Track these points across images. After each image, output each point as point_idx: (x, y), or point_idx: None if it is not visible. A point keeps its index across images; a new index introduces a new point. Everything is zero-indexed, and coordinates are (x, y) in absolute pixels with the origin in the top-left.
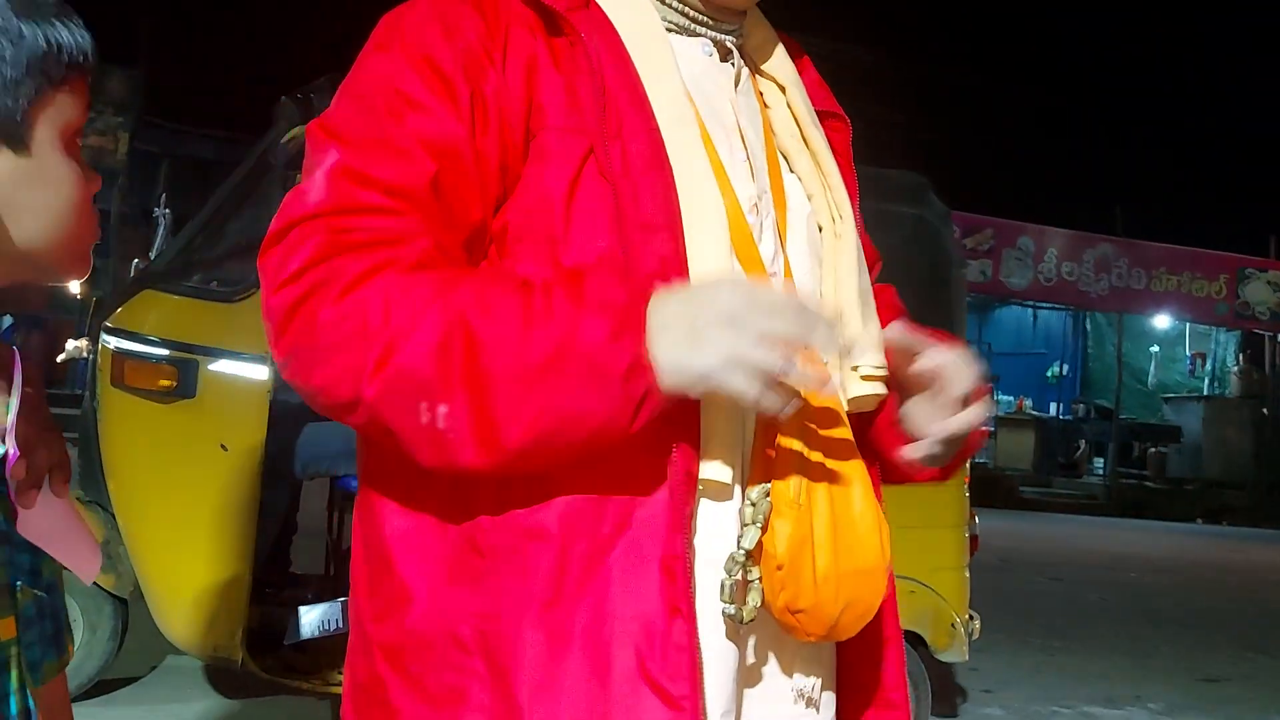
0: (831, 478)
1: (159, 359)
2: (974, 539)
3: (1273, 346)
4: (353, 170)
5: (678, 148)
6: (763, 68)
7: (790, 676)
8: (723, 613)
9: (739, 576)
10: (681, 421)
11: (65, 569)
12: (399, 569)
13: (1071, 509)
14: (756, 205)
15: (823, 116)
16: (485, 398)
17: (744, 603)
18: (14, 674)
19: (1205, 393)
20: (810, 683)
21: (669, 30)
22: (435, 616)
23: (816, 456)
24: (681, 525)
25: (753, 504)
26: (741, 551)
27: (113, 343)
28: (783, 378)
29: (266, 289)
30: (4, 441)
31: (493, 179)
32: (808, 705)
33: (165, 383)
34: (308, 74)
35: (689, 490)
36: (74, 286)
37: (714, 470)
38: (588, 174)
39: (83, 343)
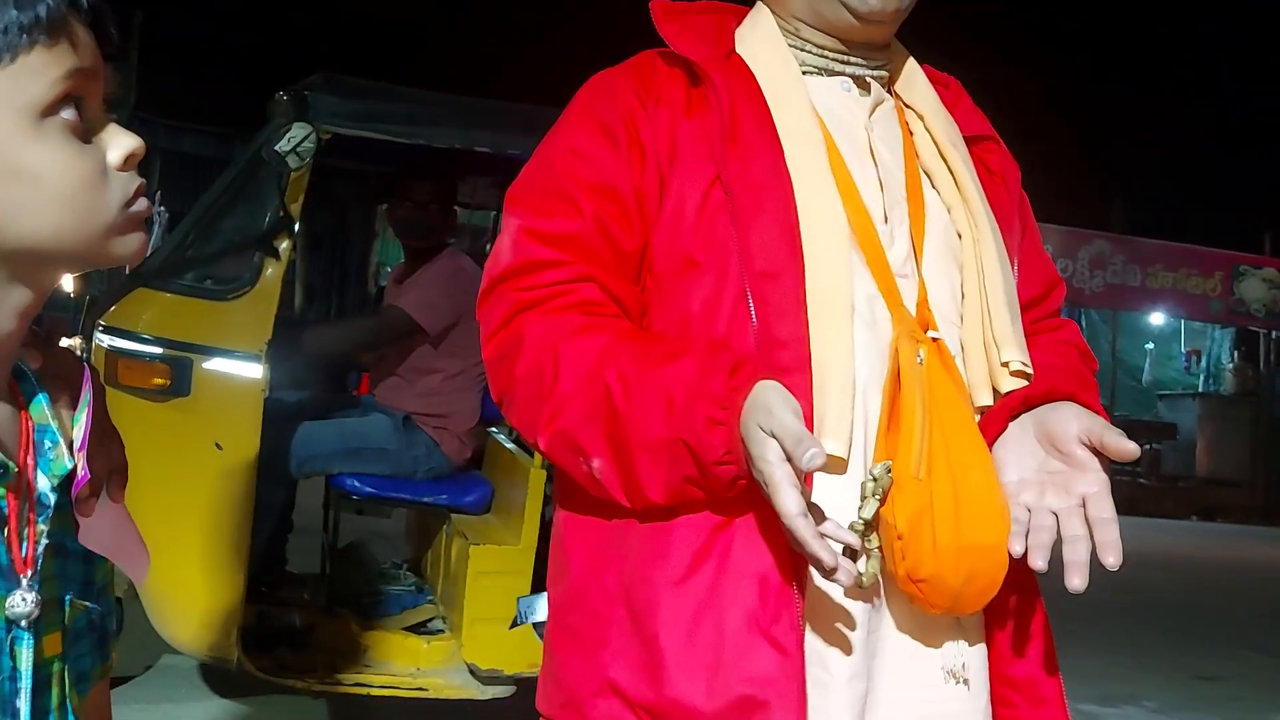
0: (955, 456)
1: (153, 357)
2: None
3: (1268, 344)
4: (530, 230)
5: (801, 163)
6: (905, 97)
7: (938, 653)
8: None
9: (855, 544)
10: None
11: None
12: (565, 544)
13: None
14: (887, 216)
15: (975, 140)
16: (626, 460)
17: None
18: (55, 691)
19: (1200, 390)
20: (960, 661)
21: (808, 73)
22: (587, 575)
23: (941, 437)
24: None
25: (874, 478)
26: (860, 521)
27: (106, 341)
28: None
29: (482, 341)
30: (73, 457)
31: (651, 211)
32: (958, 683)
33: (159, 381)
34: (303, 70)
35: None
36: (67, 284)
37: (828, 446)
38: (714, 196)
39: (76, 341)
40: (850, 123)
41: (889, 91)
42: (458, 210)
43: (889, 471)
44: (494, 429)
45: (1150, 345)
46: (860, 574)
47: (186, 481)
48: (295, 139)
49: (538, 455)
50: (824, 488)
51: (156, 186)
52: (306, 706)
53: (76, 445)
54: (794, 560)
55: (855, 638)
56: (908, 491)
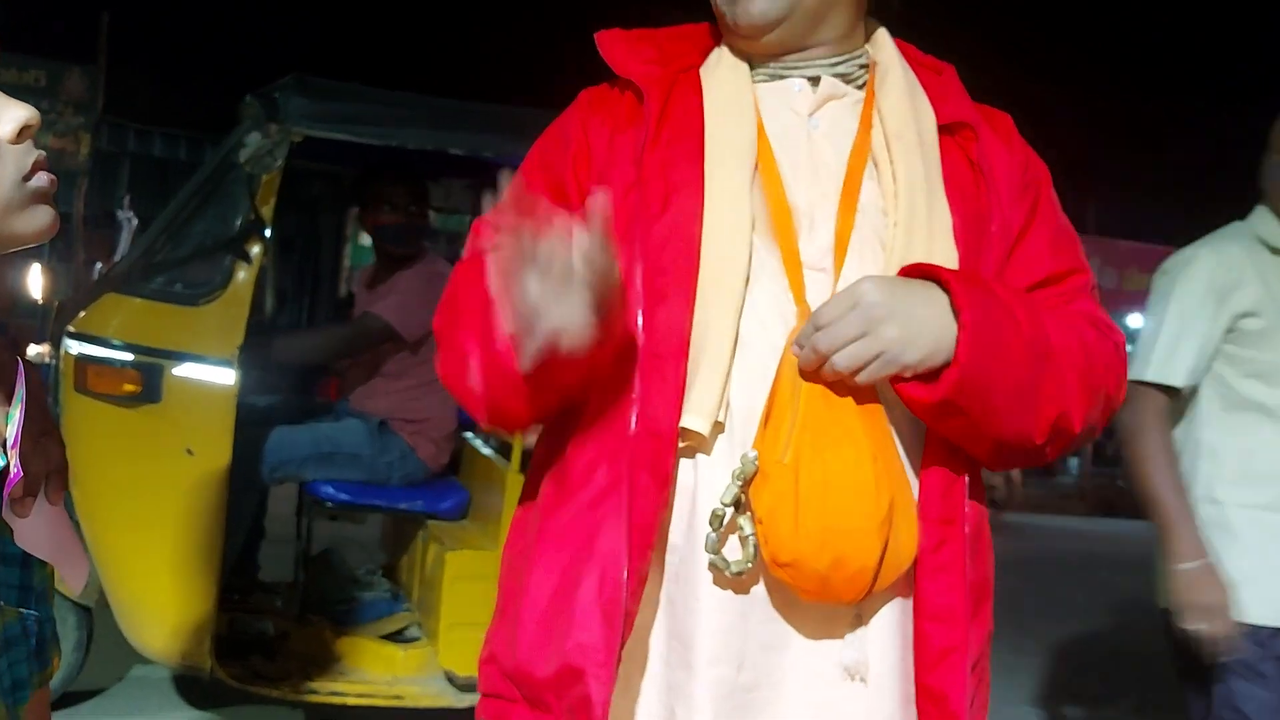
0: (829, 443)
1: (123, 364)
2: None
3: None
4: (483, 220)
5: (718, 167)
6: (878, 89)
7: (837, 650)
8: (710, 563)
9: (720, 529)
10: (662, 386)
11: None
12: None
13: (1045, 508)
14: (812, 212)
15: (954, 129)
16: (470, 343)
17: (722, 553)
18: None
19: None
20: (858, 658)
21: (761, 80)
22: (505, 555)
23: (815, 425)
24: (656, 475)
25: (741, 466)
26: (720, 505)
27: (75, 347)
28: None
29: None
30: (4, 454)
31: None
32: (854, 680)
33: (129, 387)
34: (273, 73)
35: (657, 448)
36: (35, 291)
37: (685, 420)
38: (630, 197)
39: (45, 348)
40: (791, 123)
41: (864, 85)
42: (431, 214)
43: (755, 459)
44: (470, 434)
45: (1129, 348)
46: (724, 557)
47: (157, 489)
48: (267, 142)
49: (515, 460)
50: (701, 475)
51: (125, 191)
52: (281, 716)
53: (9, 443)
54: (647, 544)
55: (719, 622)
56: (771, 477)
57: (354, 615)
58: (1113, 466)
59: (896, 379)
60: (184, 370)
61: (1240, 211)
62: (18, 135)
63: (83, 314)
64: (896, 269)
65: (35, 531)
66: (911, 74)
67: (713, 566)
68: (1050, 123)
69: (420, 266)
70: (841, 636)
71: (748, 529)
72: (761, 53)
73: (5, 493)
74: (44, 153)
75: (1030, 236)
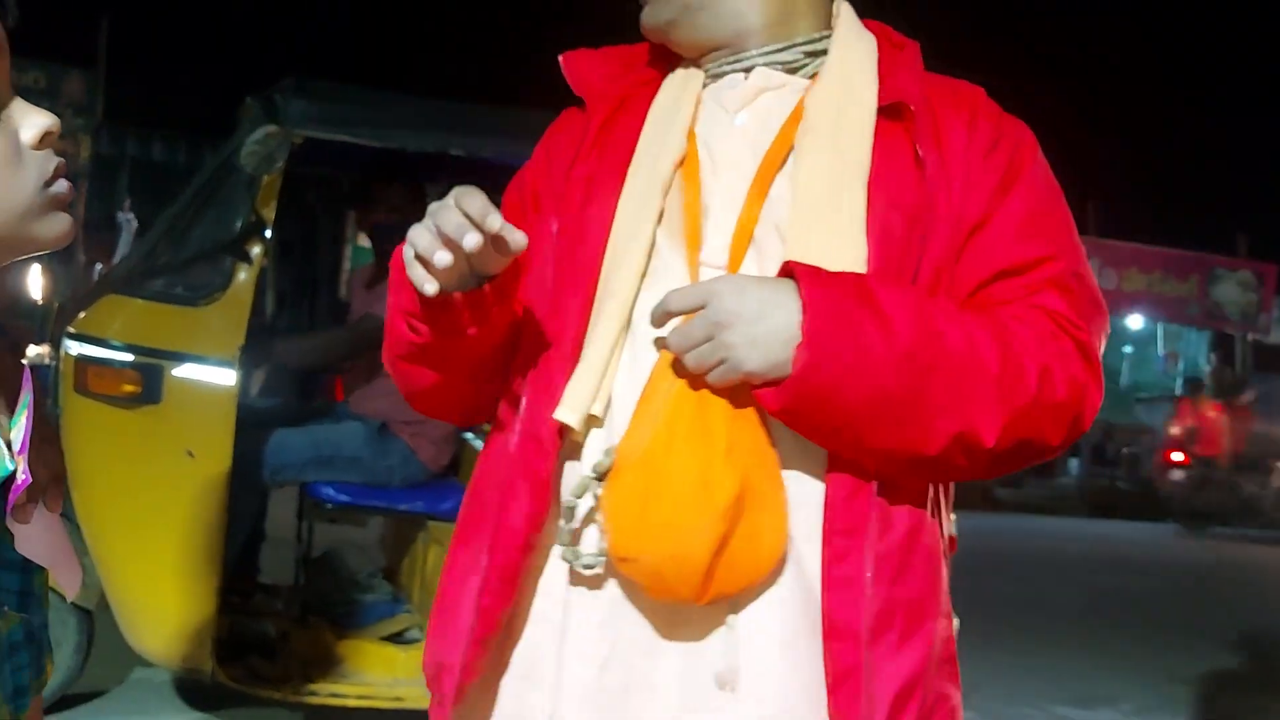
0: (684, 434)
1: (123, 364)
2: (952, 539)
3: (1244, 346)
4: None
5: (638, 170)
6: (825, 75)
7: (708, 659)
8: (561, 557)
9: (572, 523)
10: (547, 386)
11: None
12: None
13: (1045, 510)
14: (721, 208)
15: (892, 111)
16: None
17: (577, 548)
18: None
19: (1178, 393)
20: (726, 667)
21: (709, 82)
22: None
23: (681, 415)
24: (528, 476)
25: (605, 456)
26: (570, 498)
27: (75, 348)
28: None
29: None
30: (11, 461)
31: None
32: (724, 689)
33: (129, 388)
34: (273, 75)
35: (533, 448)
36: (35, 292)
37: (559, 413)
38: (562, 200)
39: (45, 349)
40: (718, 120)
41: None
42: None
43: (612, 453)
44: (470, 435)
45: (1128, 348)
46: (574, 552)
47: (158, 490)
48: (268, 144)
49: None
50: (572, 469)
51: (125, 194)
52: (282, 718)
53: (16, 448)
54: (514, 544)
55: (583, 619)
56: (621, 472)
57: (355, 617)
58: (1113, 466)
59: (751, 383)
60: (184, 371)
61: (1240, 213)
62: (40, 141)
63: (83, 315)
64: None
65: (34, 537)
66: (868, 55)
67: (564, 560)
68: (1051, 123)
69: None
70: (710, 641)
71: (601, 524)
72: (692, 54)
73: (11, 499)
74: (64, 160)
75: (993, 224)
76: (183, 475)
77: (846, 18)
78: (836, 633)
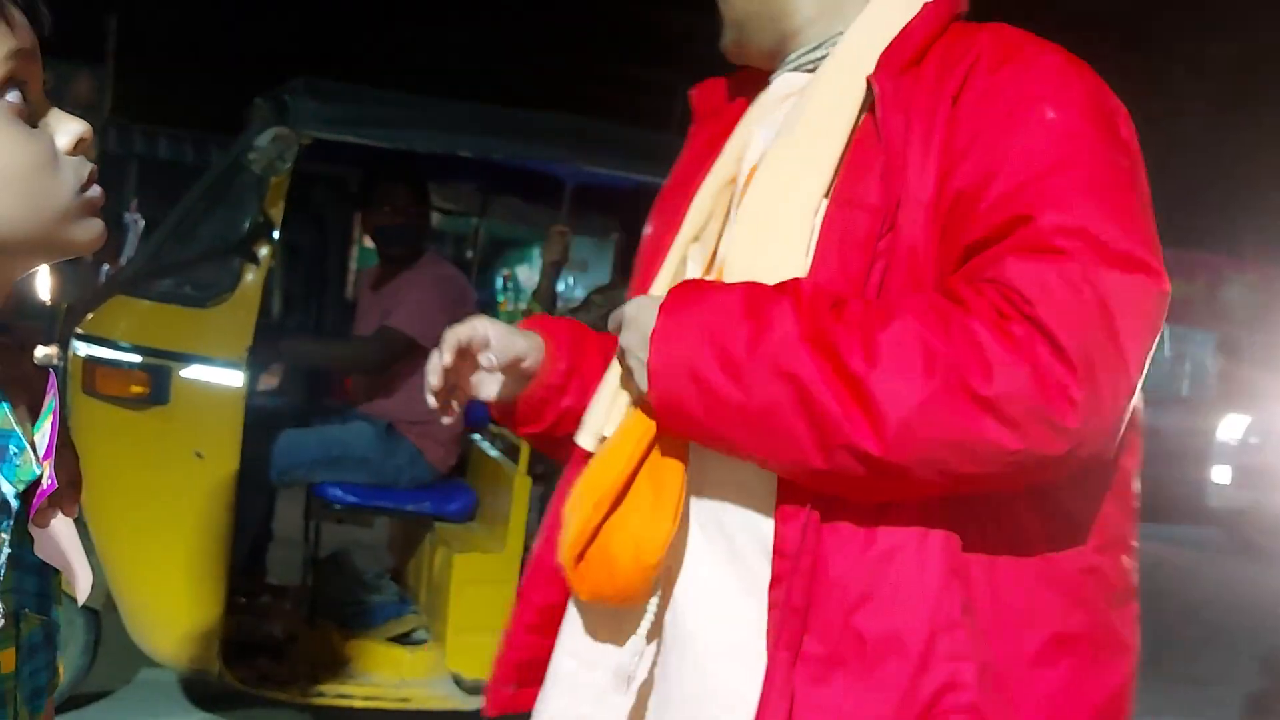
0: (617, 446)
1: (131, 365)
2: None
3: (1251, 348)
4: None
5: (700, 189)
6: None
7: (615, 656)
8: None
9: None
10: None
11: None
12: None
13: None
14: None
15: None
16: None
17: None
18: (8, 711)
19: (1185, 394)
20: (631, 661)
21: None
22: None
23: (633, 429)
24: (562, 491)
25: None
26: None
27: (83, 349)
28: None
29: None
30: (38, 466)
31: None
32: (626, 683)
33: (137, 389)
34: (282, 75)
35: (574, 466)
36: (43, 293)
37: (579, 439)
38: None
39: (53, 350)
40: (755, 133)
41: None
42: (438, 215)
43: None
44: (477, 436)
45: None
46: None
47: (166, 491)
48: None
49: (522, 463)
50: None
51: (133, 193)
52: (289, 719)
53: (41, 453)
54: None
55: (571, 613)
56: (576, 484)
57: (362, 618)
58: None
59: None
60: (192, 372)
61: (1238, 214)
62: (74, 147)
63: (91, 316)
64: (732, 276)
65: (51, 540)
66: (884, 35)
67: None
68: None
69: (427, 268)
70: (619, 644)
71: None
72: (768, 68)
73: (35, 503)
74: (95, 166)
75: (965, 191)
76: (190, 476)
77: (859, 9)
78: (770, 654)
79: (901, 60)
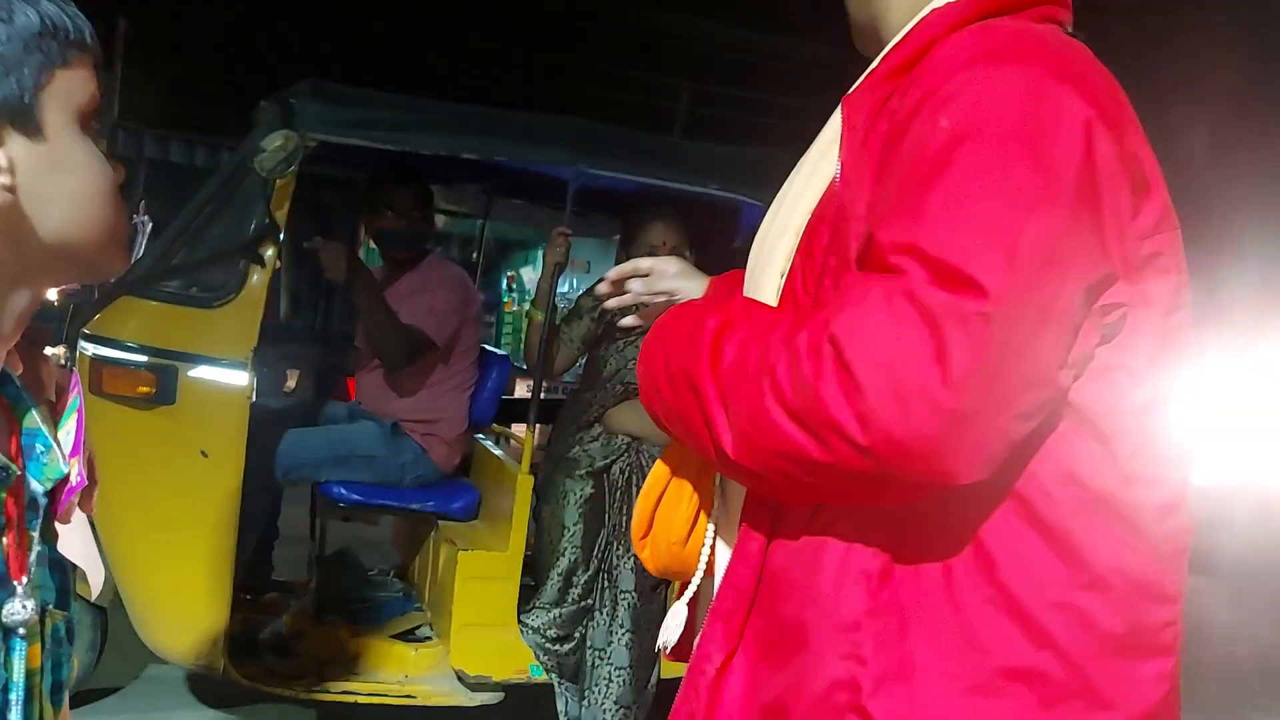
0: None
1: (138, 365)
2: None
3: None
4: None
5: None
6: None
7: (673, 613)
8: None
9: None
10: None
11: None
12: None
13: None
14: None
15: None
16: None
17: None
18: (35, 705)
19: None
20: (671, 625)
21: None
22: None
23: None
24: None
25: None
26: None
27: (90, 349)
28: None
29: None
30: (65, 464)
31: None
32: (665, 648)
33: (144, 389)
34: (288, 78)
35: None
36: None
37: None
38: None
39: (60, 350)
40: None
41: None
42: (442, 218)
43: None
44: (481, 435)
45: None
46: None
47: (172, 490)
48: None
49: (525, 462)
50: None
51: (140, 195)
52: (294, 715)
53: (68, 451)
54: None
55: None
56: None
57: (367, 615)
58: None
59: None
60: (198, 372)
61: (1238, 212)
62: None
63: (98, 316)
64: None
65: (72, 538)
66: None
67: None
68: None
69: (434, 269)
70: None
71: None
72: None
73: (64, 500)
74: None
75: (871, 210)
76: (197, 475)
77: (912, 33)
78: (707, 622)
79: (884, 71)
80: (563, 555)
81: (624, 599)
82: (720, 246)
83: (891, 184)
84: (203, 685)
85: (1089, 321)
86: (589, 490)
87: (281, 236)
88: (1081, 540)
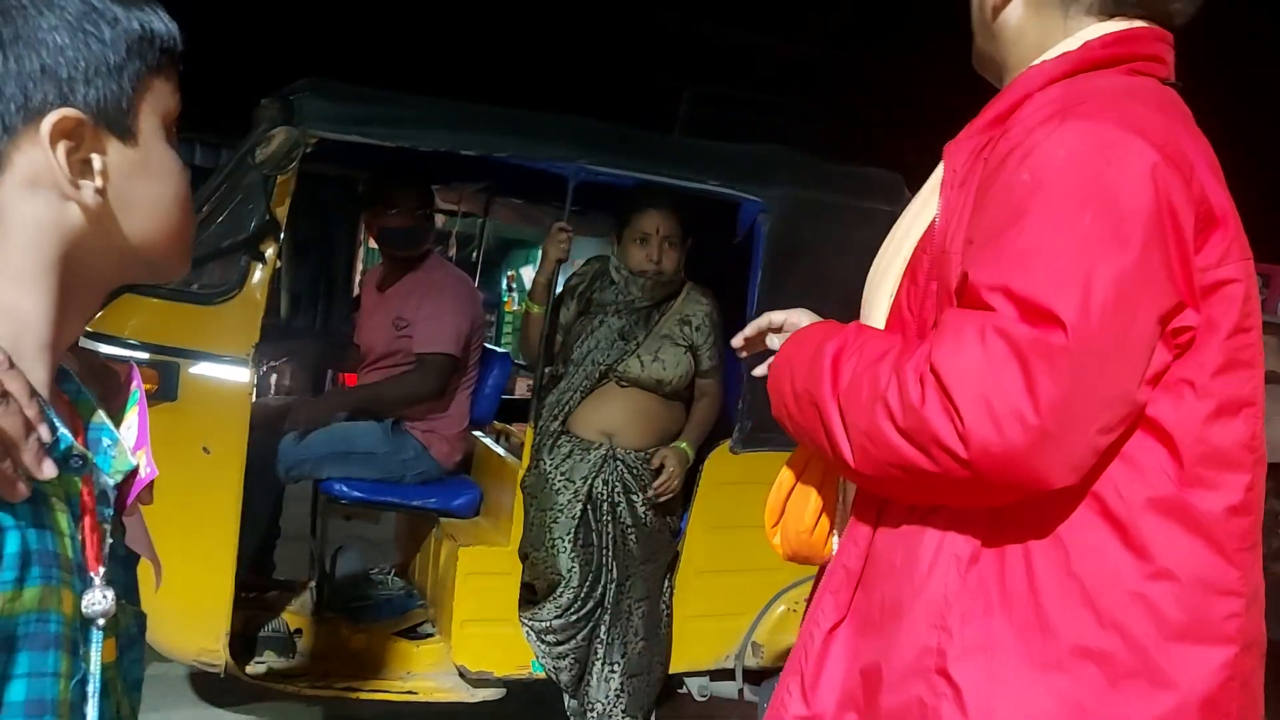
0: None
1: (139, 362)
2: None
3: None
4: None
5: None
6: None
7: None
8: None
9: None
10: None
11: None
12: None
13: None
14: None
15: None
16: None
17: None
18: (112, 701)
19: None
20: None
21: None
22: None
23: None
24: None
25: None
26: None
27: (91, 346)
28: None
29: None
30: (132, 457)
31: None
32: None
33: (146, 386)
34: (288, 76)
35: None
36: None
37: None
38: None
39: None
40: None
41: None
42: (443, 216)
43: None
44: (481, 433)
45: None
46: None
47: (173, 487)
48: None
49: (525, 458)
50: None
51: None
52: (296, 712)
53: (132, 444)
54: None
55: None
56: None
57: (368, 612)
58: None
59: None
60: (200, 369)
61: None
62: None
63: (100, 313)
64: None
65: (135, 531)
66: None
67: None
68: None
69: (428, 269)
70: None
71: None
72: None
73: (135, 492)
74: None
75: (968, 248)
76: (198, 472)
77: (1018, 87)
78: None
79: (983, 122)
80: (563, 590)
81: (638, 608)
82: (721, 243)
83: (984, 226)
84: (205, 683)
85: (1162, 343)
86: (576, 515)
87: (282, 233)
88: (1150, 536)
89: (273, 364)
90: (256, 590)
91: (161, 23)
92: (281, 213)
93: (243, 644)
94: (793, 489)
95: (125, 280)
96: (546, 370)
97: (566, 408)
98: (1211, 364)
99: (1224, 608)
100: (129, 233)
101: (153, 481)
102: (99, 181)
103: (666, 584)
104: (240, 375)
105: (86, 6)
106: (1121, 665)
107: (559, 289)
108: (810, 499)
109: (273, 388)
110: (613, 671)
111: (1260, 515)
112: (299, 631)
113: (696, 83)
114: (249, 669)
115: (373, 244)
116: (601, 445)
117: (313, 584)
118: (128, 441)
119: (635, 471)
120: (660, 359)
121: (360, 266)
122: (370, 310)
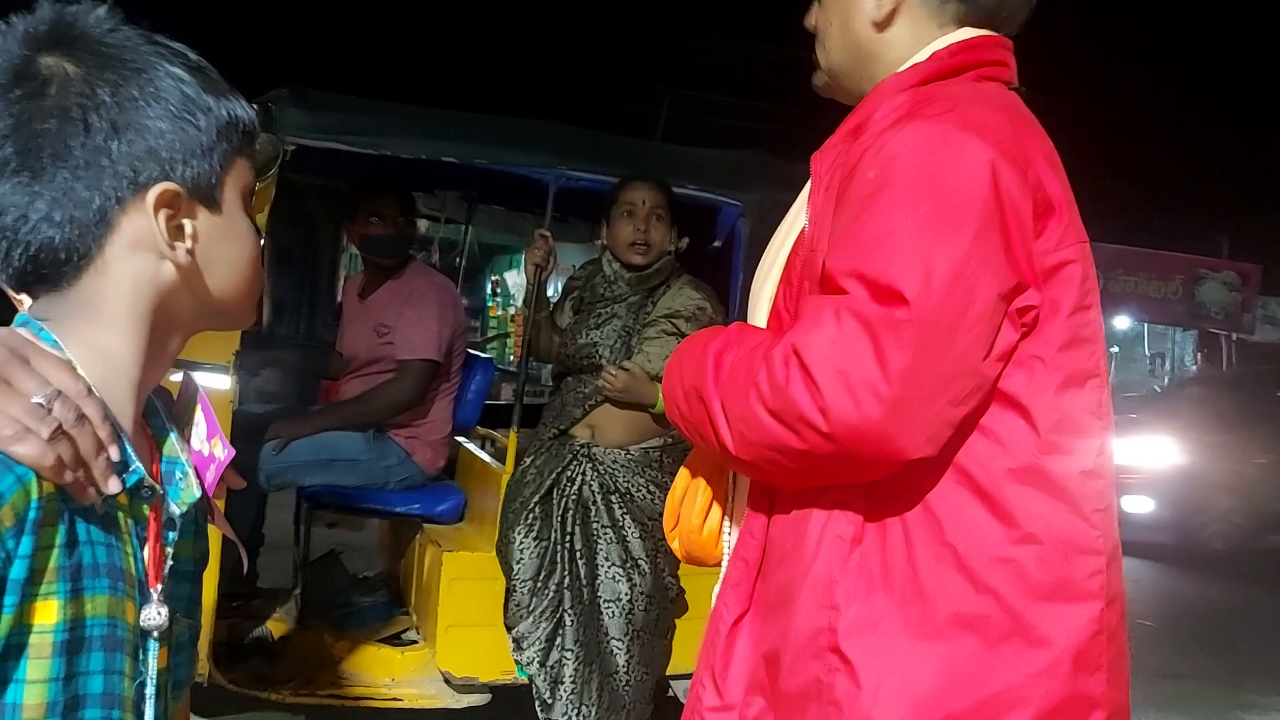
0: None
1: None
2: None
3: (1228, 346)
4: None
5: None
6: None
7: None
8: None
9: None
10: None
11: None
12: None
13: None
14: None
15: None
16: None
17: None
18: (163, 700)
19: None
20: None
21: None
22: None
23: None
24: None
25: None
26: None
27: None
28: None
29: None
30: (198, 489)
31: None
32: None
33: None
34: (267, 83)
35: None
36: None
37: None
38: None
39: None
40: None
41: None
42: (424, 223)
43: None
44: (465, 438)
45: (1115, 349)
46: None
47: None
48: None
49: (509, 463)
50: None
51: None
52: (281, 719)
53: (205, 434)
54: None
55: None
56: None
57: (353, 619)
58: None
59: None
60: (180, 377)
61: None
62: None
63: None
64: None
65: (219, 516)
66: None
67: None
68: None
69: (410, 276)
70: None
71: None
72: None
73: (219, 472)
74: None
75: (839, 233)
76: None
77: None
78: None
79: (842, 133)
80: (513, 581)
81: (608, 608)
82: (701, 245)
83: (840, 222)
84: (190, 693)
85: (1008, 322)
86: (533, 507)
87: (262, 241)
88: (1014, 503)
89: (255, 372)
90: (240, 599)
91: (245, 110)
92: (261, 220)
93: (226, 652)
94: (685, 492)
95: (202, 328)
96: (544, 372)
97: (570, 419)
98: (1057, 340)
99: (1086, 566)
100: (211, 287)
101: (233, 463)
102: (190, 244)
103: (656, 590)
104: (221, 383)
105: (185, 98)
106: (997, 627)
107: (558, 290)
108: (698, 499)
109: (255, 395)
110: (591, 673)
111: (1113, 478)
112: (283, 639)
113: (676, 88)
114: (233, 677)
115: (355, 251)
116: (576, 439)
117: (296, 592)
118: (199, 436)
119: (615, 470)
120: (645, 351)
121: (342, 274)
122: (352, 317)
